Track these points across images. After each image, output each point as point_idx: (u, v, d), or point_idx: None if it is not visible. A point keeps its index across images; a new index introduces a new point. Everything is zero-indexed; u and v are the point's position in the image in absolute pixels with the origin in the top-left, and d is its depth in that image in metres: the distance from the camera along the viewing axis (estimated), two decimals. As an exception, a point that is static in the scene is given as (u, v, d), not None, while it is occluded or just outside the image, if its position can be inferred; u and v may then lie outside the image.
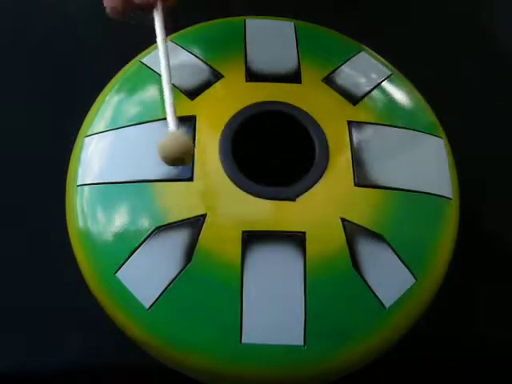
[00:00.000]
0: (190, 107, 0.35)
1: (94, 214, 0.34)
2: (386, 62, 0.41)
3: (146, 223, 0.32)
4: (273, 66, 0.38)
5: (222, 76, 0.37)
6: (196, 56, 0.38)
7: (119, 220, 0.33)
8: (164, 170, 0.33)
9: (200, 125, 0.35)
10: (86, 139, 0.36)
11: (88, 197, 0.34)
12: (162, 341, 0.32)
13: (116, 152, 0.35)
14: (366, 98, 0.37)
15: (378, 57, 0.41)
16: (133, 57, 0.40)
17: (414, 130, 0.37)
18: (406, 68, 0.41)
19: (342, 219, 0.32)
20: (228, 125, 0.34)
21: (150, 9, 0.34)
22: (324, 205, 0.33)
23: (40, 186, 0.45)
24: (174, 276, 0.31)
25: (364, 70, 0.39)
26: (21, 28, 0.54)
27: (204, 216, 0.32)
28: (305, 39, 0.40)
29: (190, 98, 0.36)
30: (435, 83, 0.46)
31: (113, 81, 0.39)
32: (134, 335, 0.33)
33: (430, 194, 0.35)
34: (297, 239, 0.32)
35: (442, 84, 0.51)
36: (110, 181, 0.34)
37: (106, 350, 0.40)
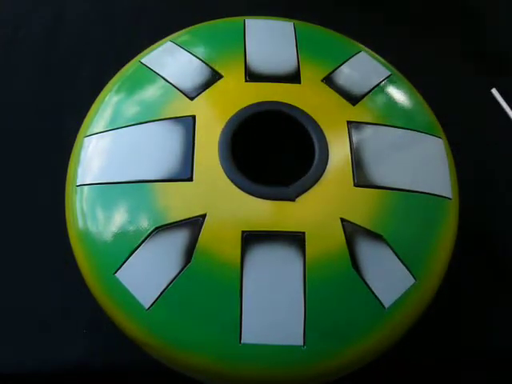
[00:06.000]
0: (189, 107, 0.35)
1: (93, 214, 0.34)
2: (385, 62, 0.41)
3: (145, 223, 0.32)
4: (272, 66, 0.38)
5: (222, 76, 0.37)
6: (196, 56, 0.38)
7: (119, 220, 0.33)
8: (163, 170, 0.33)
9: (199, 125, 0.34)
10: (86, 139, 0.36)
11: (87, 197, 0.34)
12: (161, 341, 0.32)
13: (115, 152, 0.35)
14: (365, 98, 0.37)
15: (378, 57, 0.41)
16: (133, 57, 0.40)
17: (413, 130, 0.37)
18: (406, 68, 0.41)
19: (342, 219, 0.32)
20: (227, 125, 0.34)
21: None
22: (323, 205, 0.33)
23: (40, 186, 0.45)
24: (173, 276, 0.31)
25: (364, 70, 0.39)
26: (20, 28, 0.54)
27: (203, 216, 0.32)
28: (304, 39, 0.40)
29: (189, 98, 0.36)
30: (435, 83, 0.47)
31: (112, 81, 0.39)
32: (133, 335, 0.33)
33: (429, 194, 0.35)
34: (296, 239, 0.32)
35: (442, 84, 0.51)
36: (110, 181, 0.34)
37: (106, 350, 0.40)
